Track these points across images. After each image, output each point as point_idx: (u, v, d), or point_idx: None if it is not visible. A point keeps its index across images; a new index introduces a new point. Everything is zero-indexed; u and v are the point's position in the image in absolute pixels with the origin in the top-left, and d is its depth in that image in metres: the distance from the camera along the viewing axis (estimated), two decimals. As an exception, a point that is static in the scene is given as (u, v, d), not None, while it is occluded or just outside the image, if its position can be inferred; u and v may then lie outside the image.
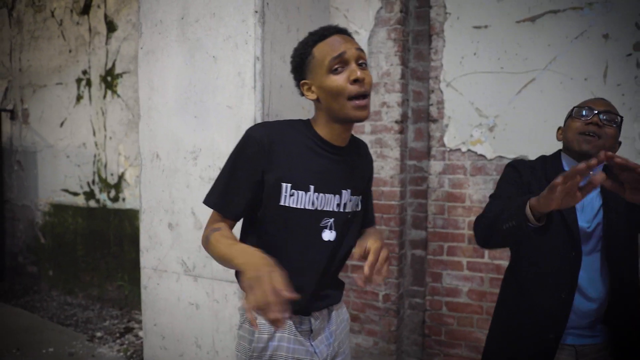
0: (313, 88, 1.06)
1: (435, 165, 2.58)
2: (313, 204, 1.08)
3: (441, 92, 2.57)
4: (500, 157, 2.42)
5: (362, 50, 1.04)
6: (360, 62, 1.03)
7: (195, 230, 1.75)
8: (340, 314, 1.25)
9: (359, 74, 1.00)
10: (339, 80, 1.01)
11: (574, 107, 1.33)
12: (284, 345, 1.11)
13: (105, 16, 3.76)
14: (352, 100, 1.01)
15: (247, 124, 1.63)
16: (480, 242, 1.30)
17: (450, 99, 2.52)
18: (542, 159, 1.43)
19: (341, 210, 1.13)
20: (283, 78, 1.76)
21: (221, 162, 1.68)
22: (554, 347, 1.25)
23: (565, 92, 2.27)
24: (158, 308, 1.85)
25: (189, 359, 1.79)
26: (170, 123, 1.78)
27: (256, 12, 1.59)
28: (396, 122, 2.61)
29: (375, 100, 2.71)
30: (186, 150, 1.76)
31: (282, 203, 1.06)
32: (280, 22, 1.74)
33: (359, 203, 1.19)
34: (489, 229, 1.22)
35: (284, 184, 1.06)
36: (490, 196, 1.38)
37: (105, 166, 3.82)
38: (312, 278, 1.12)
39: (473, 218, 2.45)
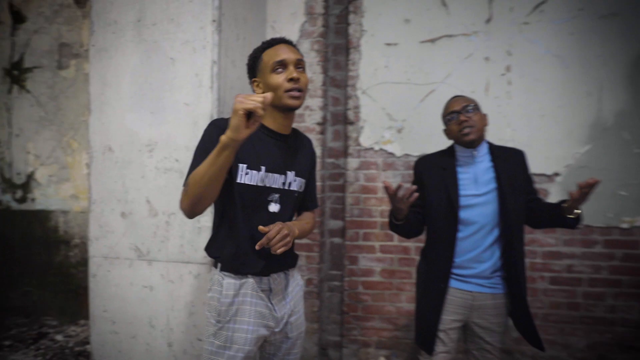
0: (260, 85, 1.37)
1: (352, 162, 2.96)
2: (263, 181, 1.36)
3: (357, 98, 2.96)
4: (407, 154, 2.87)
5: (301, 58, 1.37)
6: (298, 66, 1.35)
7: (150, 217, 1.88)
8: (295, 279, 1.51)
9: (294, 74, 1.31)
10: (278, 78, 1.32)
11: (447, 114, 1.76)
12: (247, 300, 1.35)
13: (11, 6, 3.57)
14: (287, 92, 1.31)
15: (205, 119, 1.82)
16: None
17: (365, 105, 2.92)
18: (440, 151, 1.90)
19: (286, 188, 1.41)
20: (233, 80, 1.98)
21: (178, 154, 1.85)
22: (444, 293, 1.68)
23: (456, 103, 2.77)
24: (108, 294, 1.94)
25: (142, 340, 1.91)
26: (124, 118, 1.90)
27: (214, 21, 1.80)
28: (317, 123, 2.93)
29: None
30: (141, 144, 1.89)
31: (238, 180, 1.32)
32: (232, 31, 1.96)
33: (303, 184, 1.48)
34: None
35: (240, 165, 1.32)
36: None
37: (11, 165, 3.60)
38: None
39: (385, 208, 2.87)
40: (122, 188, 1.91)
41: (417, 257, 2.86)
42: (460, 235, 1.65)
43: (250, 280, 1.36)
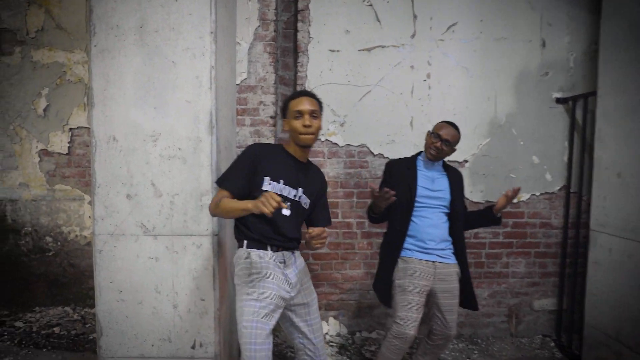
0: (287, 125, 1.97)
1: (304, 152, 3.44)
2: (281, 191, 1.91)
3: (307, 96, 3.41)
4: (349, 144, 3.42)
5: (315, 109, 1.93)
6: (313, 115, 1.92)
7: (155, 198, 2.19)
8: (299, 258, 2.06)
9: (307, 122, 1.89)
10: (297, 123, 1.90)
11: (434, 131, 2.40)
12: (271, 265, 1.89)
13: (-58, -12, 3.44)
14: (301, 134, 1.90)
15: (204, 115, 2.17)
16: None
17: (314, 103, 3.39)
18: (408, 158, 2.55)
19: (296, 199, 1.96)
20: (224, 80, 2.35)
21: (180, 143, 2.18)
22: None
23: (388, 102, 3.38)
24: (115, 267, 2.21)
25: (148, 304, 2.22)
26: (128, 112, 2.16)
27: (212, 32, 2.15)
28: (271, 117, 3.35)
29: (254, 100, 3.40)
30: (145, 134, 2.18)
31: (263, 188, 1.87)
32: (222, 39, 2.32)
33: (308, 203, 2.01)
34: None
35: (265, 177, 1.89)
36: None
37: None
38: (279, 232, 1.91)
39: (330, 190, 3.39)
40: (127, 173, 2.18)
41: (358, 231, 3.46)
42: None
43: (269, 252, 1.90)
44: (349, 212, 3.44)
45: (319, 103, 1.95)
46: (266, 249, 1.88)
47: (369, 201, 3.43)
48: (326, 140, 3.41)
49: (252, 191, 1.88)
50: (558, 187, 3.52)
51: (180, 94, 2.17)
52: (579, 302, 3.40)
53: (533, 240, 3.55)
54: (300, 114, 1.89)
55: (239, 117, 3.32)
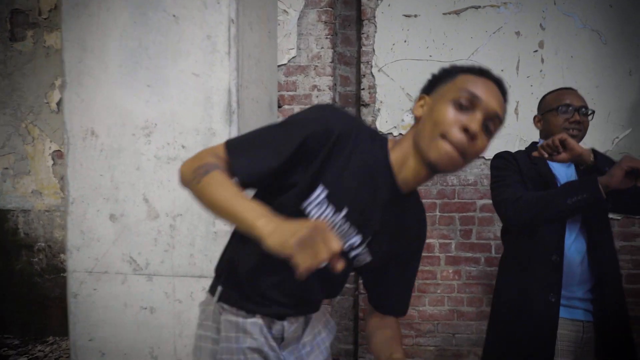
0: (425, 106, 0.89)
1: (368, 150, 2.63)
2: (336, 227, 0.88)
3: (373, 77, 2.62)
4: (429, 141, 2.55)
5: (499, 116, 0.86)
6: (487, 120, 0.85)
7: (148, 220, 1.48)
8: (315, 325, 1.06)
9: (475, 127, 0.81)
10: (452, 115, 0.82)
11: (551, 99, 1.47)
12: (257, 349, 0.94)
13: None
14: (445, 141, 0.82)
15: (220, 95, 1.42)
16: (524, 222, 1.35)
17: (381, 84, 2.59)
18: (523, 151, 1.56)
19: (350, 253, 0.93)
20: (250, 47, 1.59)
21: (184, 139, 1.45)
22: (556, 308, 1.35)
23: (485, 82, 2.47)
24: (95, 319, 1.52)
25: (142, 375, 1.51)
26: (112, 93, 1.47)
27: (230, -33, 1.40)
28: (327, 106, 2.57)
29: (305, 84, 2.65)
30: (135, 126, 1.47)
31: (303, 206, 0.85)
32: (249, -14, 1.57)
33: (368, 261, 0.96)
34: (541, 207, 1.29)
35: (320, 186, 0.86)
36: (500, 186, 1.44)
37: (-44, 157, 3.06)
38: (293, 293, 0.95)
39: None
40: (111, 183, 1.49)
41: (441, 255, 2.59)
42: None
43: (259, 322, 0.94)
44: (429, 231, 2.57)
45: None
46: (253, 316, 0.94)
47: (455, 215, 2.54)
48: (400, 134, 2.58)
49: (276, 193, 0.90)
50: None
51: (185, 63, 1.45)
52: None
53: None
54: (472, 102, 0.81)
55: (287, 106, 2.58)
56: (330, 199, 0.85)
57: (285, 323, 0.96)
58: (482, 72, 0.87)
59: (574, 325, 1.35)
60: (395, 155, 0.90)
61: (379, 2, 2.56)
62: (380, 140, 0.91)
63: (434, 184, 2.54)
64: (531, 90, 2.46)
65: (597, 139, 2.44)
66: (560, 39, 2.46)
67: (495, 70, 2.36)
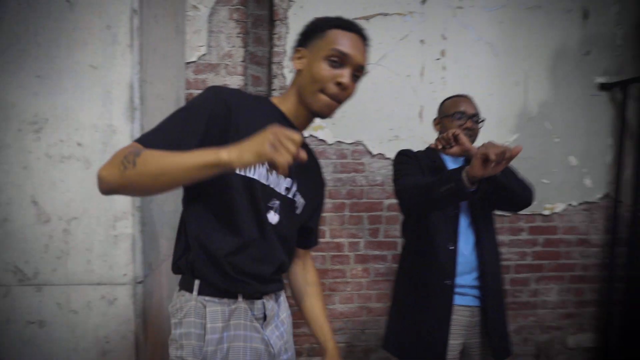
0: (304, 60, 1.04)
1: (279, 150, 2.62)
2: (267, 179, 1.02)
3: (284, 77, 2.62)
4: (339, 142, 2.62)
5: (364, 65, 1.04)
6: (355, 73, 1.03)
7: (39, 224, 1.33)
8: (285, 303, 1.18)
9: (346, 80, 1.00)
10: (327, 72, 0.99)
11: (449, 105, 1.61)
12: (241, 334, 1.01)
13: None
14: (324, 94, 1.00)
15: (121, 89, 1.33)
16: (411, 208, 1.51)
17: (293, 86, 2.59)
18: (423, 151, 1.71)
19: (289, 195, 1.07)
20: (156, 41, 1.50)
21: (80, 136, 1.34)
22: (451, 293, 1.46)
23: (392, 85, 2.60)
24: (-29, 338, 1.34)
25: (29, 397, 1.36)
26: (-8, 82, 1.30)
27: (132, -46, 1.31)
28: (239, 106, 2.53)
29: (216, 82, 2.60)
30: (22, 120, 1.32)
31: (238, 171, 0.96)
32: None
33: (302, 207, 1.13)
34: (422, 196, 1.39)
35: None
36: (400, 177, 1.56)
37: None
38: (263, 259, 1.04)
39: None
40: (-8, 184, 1.32)
41: (351, 254, 2.66)
42: None
43: (243, 306, 1.01)
44: (339, 230, 2.63)
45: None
46: (237, 299, 1.00)
47: (364, 215, 2.63)
48: (310, 135, 2.60)
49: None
50: (600, 196, 2.81)
51: (81, 54, 1.33)
52: (627, 338, 2.70)
53: (568, 262, 2.83)
54: (341, 58, 0.99)
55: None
56: None
57: (264, 301, 1.05)
58: (348, 27, 1.02)
59: (465, 310, 1.50)
60: (286, 107, 1.07)
61: (292, 3, 2.57)
62: (265, 99, 1.09)
63: (343, 185, 2.61)
64: (434, 95, 2.62)
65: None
66: (460, 49, 2.65)
67: (401, 76, 2.50)
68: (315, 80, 0.99)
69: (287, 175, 0.93)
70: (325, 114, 1.03)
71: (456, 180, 1.25)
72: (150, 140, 0.88)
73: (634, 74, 2.70)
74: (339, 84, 0.99)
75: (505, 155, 1.16)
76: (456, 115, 1.56)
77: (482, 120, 1.60)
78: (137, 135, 1.34)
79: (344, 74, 0.99)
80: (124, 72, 1.33)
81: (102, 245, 1.35)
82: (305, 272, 1.28)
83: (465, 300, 1.49)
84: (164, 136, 0.89)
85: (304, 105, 1.04)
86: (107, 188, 0.84)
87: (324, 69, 0.99)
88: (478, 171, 1.19)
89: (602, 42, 2.72)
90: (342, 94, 1.01)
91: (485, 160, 1.17)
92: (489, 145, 1.18)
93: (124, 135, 1.34)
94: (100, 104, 1.34)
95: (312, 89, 1.00)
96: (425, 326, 1.48)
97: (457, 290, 1.48)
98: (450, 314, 1.45)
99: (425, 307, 1.49)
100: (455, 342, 1.49)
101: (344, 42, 0.99)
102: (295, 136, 0.76)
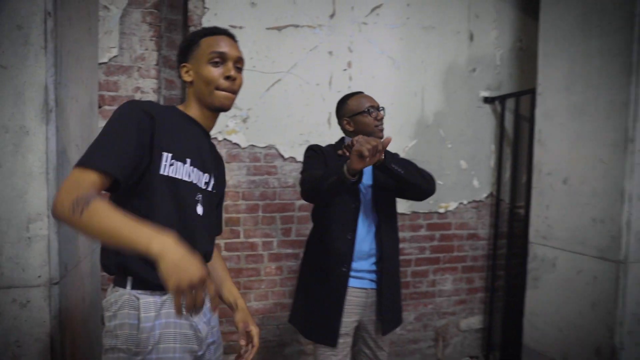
0: (191, 72, 1.20)
1: (195, 154, 2.67)
2: (189, 176, 1.15)
3: (199, 82, 2.66)
4: (253, 145, 2.73)
5: (242, 57, 1.22)
6: (237, 65, 1.21)
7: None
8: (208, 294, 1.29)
9: (232, 72, 1.17)
10: (214, 72, 1.16)
11: (356, 104, 1.78)
12: (172, 322, 1.10)
13: None
14: (220, 91, 1.17)
15: (35, 91, 1.33)
16: (307, 199, 1.67)
17: (209, 91, 2.65)
18: (331, 145, 1.90)
19: (208, 189, 1.23)
20: (71, 43, 1.51)
21: (-11, 138, 1.32)
22: (346, 278, 1.68)
23: (302, 93, 2.77)
24: None
25: None
26: None
27: (46, -44, 1.32)
28: (152, 109, 2.54)
29: (127, 85, 2.59)
30: None
31: (162, 172, 1.09)
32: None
33: (218, 201, 1.33)
34: (315, 188, 1.57)
35: (164, 154, 1.10)
36: (304, 170, 1.74)
37: None
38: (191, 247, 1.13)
39: (230, 202, 2.66)
40: None
41: (265, 253, 2.77)
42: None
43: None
44: (253, 230, 2.74)
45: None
46: (166, 293, 1.08)
47: (277, 215, 2.77)
48: (224, 139, 2.68)
49: (143, 177, 1.08)
50: (485, 195, 3.22)
51: (-11, 54, 1.31)
52: (507, 318, 3.11)
53: (460, 254, 3.20)
54: (221, 57, 1.17)
55: (108, 107, 2.45)
56: (175, 157, 1.11)
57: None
58: (215, 32, 1.22)
59: (361, 292, 1.71)
60: (193, 113, 1.22)
61: (206, 10, 2.63)
62: (173, 107, 1.22)
63: (256, 187, 2.72)
64: (342, 104, 2.83)
65: (391, 147, 2.88)
66: (365, 61, 2.88)
67: (311, 85, 2.75)
68: (207, 82, 1.16)
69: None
70: (227, 106, 1.20)
71: (338, 174, 1.46)
72: (96, 162, 0.98)
73: (510, 90, 3.14)
74: (227, 77, 1.16)
75: (378, 148, 1.37)
76: (370, 110, 1.75)
77: (383, 108, 1.82)
78: (53, 137, 1.34)
79: (229, 68, 1.17)
80: (37, 73, 1.34)
81: (13, 247, 1.33)
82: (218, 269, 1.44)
83: (361, 283, 1.70)
84: (104, 154, 1.00)
85: (206, 107, 1.20)
86: (58, 218, 0.95)
87: (211, 71, 1.16)
88: (357, 165, 1.41)
89: (485, 61, 3.12)
90: (234, 84, 1.19)
91: (360, 155, 1.36)
92: (362, 141, 1.38)
93: (39, 136, 1.34)
94: (11, 104, 1.32)
95: (208, 90, 1.17)
96: (323, 306, 1.69)
97: (353, 274, 1.69)
98: (344, 295, 1.66)
99: (323, 289, 1.70)
100: (349, 319, 1.70)
101: (217, 44, 1.17)
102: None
